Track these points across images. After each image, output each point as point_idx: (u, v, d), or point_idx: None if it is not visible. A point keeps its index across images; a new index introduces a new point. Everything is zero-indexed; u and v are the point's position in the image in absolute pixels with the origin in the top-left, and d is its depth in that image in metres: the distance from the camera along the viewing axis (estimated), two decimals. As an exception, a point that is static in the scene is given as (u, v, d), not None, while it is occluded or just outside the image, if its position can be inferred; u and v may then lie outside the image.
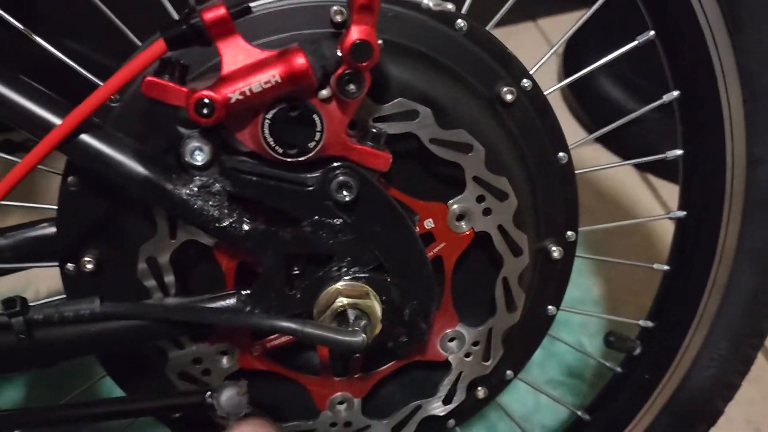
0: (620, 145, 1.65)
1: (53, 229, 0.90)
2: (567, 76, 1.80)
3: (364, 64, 0.56)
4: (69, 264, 0.71)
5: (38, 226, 0.91)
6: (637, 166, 1.61)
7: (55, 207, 0.73)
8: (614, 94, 1.71)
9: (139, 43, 0.73)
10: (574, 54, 1.80)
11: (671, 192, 1.57)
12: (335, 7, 0.65)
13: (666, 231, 1.45)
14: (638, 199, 1.55)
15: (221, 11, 0.54)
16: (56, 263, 0.78)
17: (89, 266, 0.70)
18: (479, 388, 0.82)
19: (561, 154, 0.76)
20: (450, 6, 0.60)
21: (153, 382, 0.76)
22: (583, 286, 1.34)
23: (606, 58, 0.81)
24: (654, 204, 1.55)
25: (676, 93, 0.81)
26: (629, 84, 1.70)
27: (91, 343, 0.64)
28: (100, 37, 0.93)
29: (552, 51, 0.81)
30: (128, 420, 0.98)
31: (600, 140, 1.66)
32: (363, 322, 0.61)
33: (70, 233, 0.70)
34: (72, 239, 0.70)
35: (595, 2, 0.78)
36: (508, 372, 0.84)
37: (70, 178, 0.68)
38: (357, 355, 0.61)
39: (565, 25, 1.94)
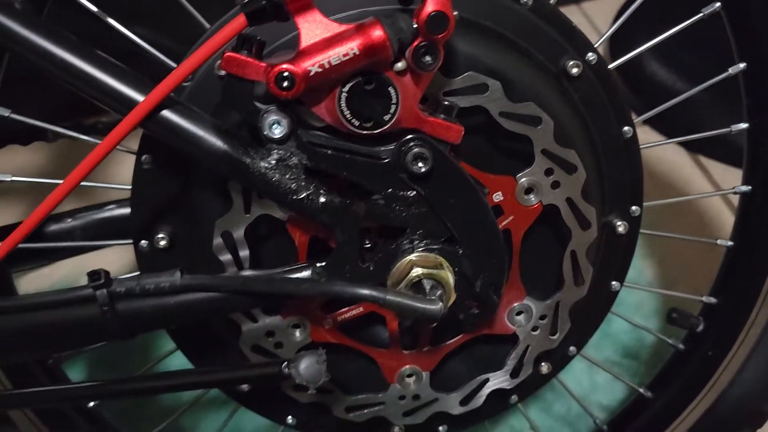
0: (668, 124, 1.62)
1: (120, 210, 0.94)
2: (613, 54, 1.79)
3: (440, 35, 0.56)
4: (143, 241, 0.73)
5: (105, 208, 0.94)
6: (689, 146, 1.58)
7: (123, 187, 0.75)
8: (661, 72, 1.68)
9: (205, 23, 0.75)
10: (620, 31, 1.79)
11: (722, 172, 1.55)
12: (403, -17, 0.66)
13: (719, 210, 1.44)
14: (690, 179, 1.53)
15: (300, -15, 0.55)
16: (122, 242, 0.80)
17: (162, 242, 0.72)
18: (543, 363, 0.82)
19: (626, 128, 0.76)
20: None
21: (222, 355, 0.78)
22: (636, 266, 1.32)
23: (664, 34, 0.80)
24: (705, 184, 1.52)
25: (742, 65, 0.80)
26: (676, 61, 1.67)
27: (170, 316, 0.65)
28: (163, 21, 0.95)
29: (618, 24, 0.80)
30: (195, 396, 1.01)
31: (647, 120, 1.64)
32: (439, 292, 0.62)
33: (144, 210, 0.72)
34: (146, 216, 0.72)
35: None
36: (572, 348, 0.85)
37: (143, 156, 0.70)
38: (434, 324, 0.61)
39: (608, 6, 1.93)
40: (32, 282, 1.32)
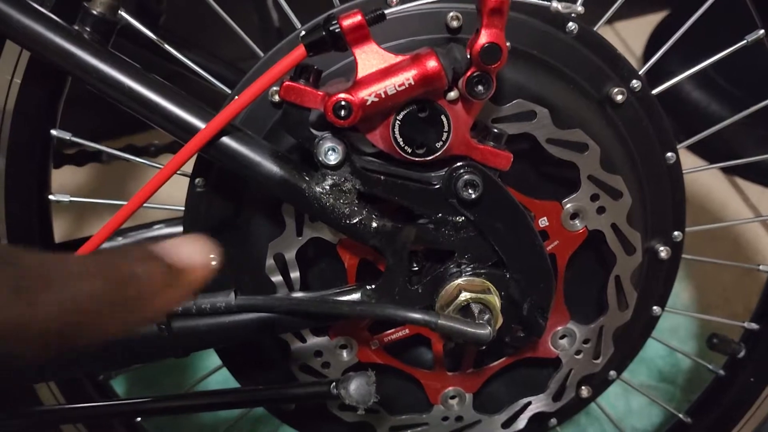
0: (704, 148, 1.62)
1: (168, 230, 0.96)
2: (648, 77, 1.79)
3: (493, 66, 0.58)
4: (194, 261, 0.75)
5: (154, 227, 0.97)
6: (725, 168, 1.58)
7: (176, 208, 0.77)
8: (695, 95, 1.68)
9: (259, 51, 0.77)
10: (652, 54, 1.79)
11: (759, 195, 1.54)
12: (452, 13, 0.67)
13: (756, 234, 1.43)
14: (726, 202, 1.52)
15: (358, 18, 0.57)
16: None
17: (213, 264, 0.73)
18: (583, 387, 0.82)
19: (669, 154, 0.77)
20: (580, 9, 0.61)
21: (267, 374, 0.79)
22: (672, 290, 1.33)
23: (707, 61, 0.81)
24: (742, 207, 1.51)
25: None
26: (712, 86, 1.67)
27: (223, 335, 0.67)
28: (213, 47, 0.98)
29: (666, 47, 0.81)
30: (237, 414, 1.02)
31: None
32: (487, 316, 0.63)
33: (196, 231, 0.74)
34: (198, 237, 0.74)
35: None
36: (612, 372, 0.85)
37: (197, 180, 0.72)
38: (482, 347, 0.62)
39: (642, 28, 1.93)
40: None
